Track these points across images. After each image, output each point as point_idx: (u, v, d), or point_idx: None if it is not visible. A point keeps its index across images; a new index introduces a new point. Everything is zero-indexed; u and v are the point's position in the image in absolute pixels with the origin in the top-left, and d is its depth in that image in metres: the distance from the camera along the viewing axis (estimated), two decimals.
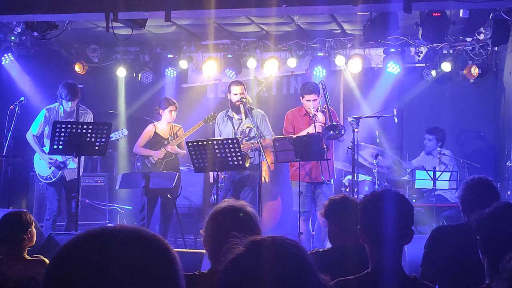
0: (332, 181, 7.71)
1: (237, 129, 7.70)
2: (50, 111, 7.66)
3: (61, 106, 7.61)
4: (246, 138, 7.65)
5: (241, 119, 7.72)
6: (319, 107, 7.53)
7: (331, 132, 7.25)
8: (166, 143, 8.06)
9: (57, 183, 7.65)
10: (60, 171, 7.61)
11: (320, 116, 7.45)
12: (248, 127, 7.63)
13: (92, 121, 7.70)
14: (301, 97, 7.65)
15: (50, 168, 7.59)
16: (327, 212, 3.80)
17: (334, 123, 7.32)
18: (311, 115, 7.47)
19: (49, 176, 7.63)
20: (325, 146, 7.16)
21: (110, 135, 7.19)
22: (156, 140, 8.10)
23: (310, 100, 7.46)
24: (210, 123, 8.14)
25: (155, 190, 7.49)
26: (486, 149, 9.41)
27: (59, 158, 7.52)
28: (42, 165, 7.65)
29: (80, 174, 7.54)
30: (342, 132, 7.28)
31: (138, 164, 8.22)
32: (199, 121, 8.14)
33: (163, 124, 8.13)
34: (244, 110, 7.60)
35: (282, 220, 9.06)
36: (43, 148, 7.63)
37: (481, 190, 3.85)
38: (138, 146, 8.17)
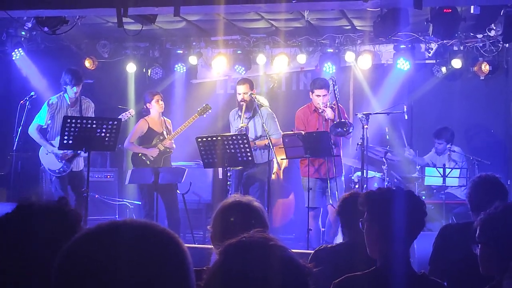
0: (342, 177, 7.71)
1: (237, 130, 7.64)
2: (58, 98, 7.60)
3: (65, 94, 7.58)
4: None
5: (248, 117, 7.71)
6: (328, 103, 7.51)
7: (339, 129, 7.24)
8: (162, 137, 7.94)
9: (67, 175, 7.57)
10: (72, 163, 7.55)
11: (329, 112, 7.43)
12: (242, 126, 7.59)
13: (93, 112, 7.74)
14: (310, 92, 7.64)
15: (60, 161, 7.49)
16: (339, 209, 3.83)
17: (342, 120, 7.31)
18: (320, 110, 7.47)
19: (61, 169, 7.52)
20: (333, 145, 7.16)
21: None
22: (151, 135, 7.94)
23: (319, 96, 7.45)
24: (204, 115, 8.09)
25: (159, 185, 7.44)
26: (497, 146, 9.35)
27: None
28: (50, 159, 7.54)
29: (82, 168, 7.56)
30: (350, 130, 7.28)
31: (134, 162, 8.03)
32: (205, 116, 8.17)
33: (155, 117, 8.00)
34: (245, 109, 7.58)
35: (294, 217, 9.04)
36: (50, 141, 7.53)
37: (488, 188, 3.82)
38: (130, 142, 7.94)
